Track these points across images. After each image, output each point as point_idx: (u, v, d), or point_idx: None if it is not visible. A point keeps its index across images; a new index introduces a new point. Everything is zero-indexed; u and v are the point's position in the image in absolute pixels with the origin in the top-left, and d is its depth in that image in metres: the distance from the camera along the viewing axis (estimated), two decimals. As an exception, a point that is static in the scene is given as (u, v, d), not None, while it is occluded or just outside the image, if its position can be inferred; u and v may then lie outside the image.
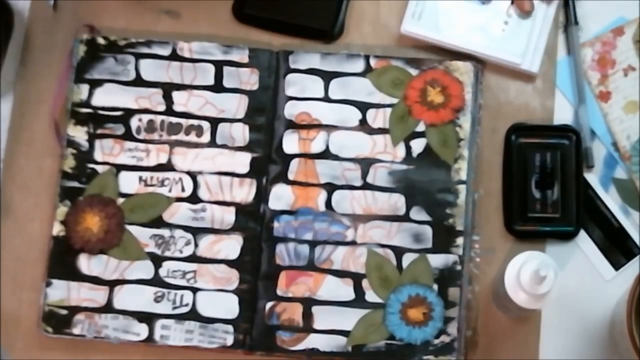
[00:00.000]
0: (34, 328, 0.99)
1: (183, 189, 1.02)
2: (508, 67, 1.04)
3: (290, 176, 1.02)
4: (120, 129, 1.03)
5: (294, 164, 1.02)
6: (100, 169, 1.02)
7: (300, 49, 1.05)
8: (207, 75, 1.04)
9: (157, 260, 1.00)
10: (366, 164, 1.02)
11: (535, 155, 1.02)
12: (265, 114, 1.03)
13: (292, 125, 1.03)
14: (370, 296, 0.99)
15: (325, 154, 1.02)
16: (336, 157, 1.02)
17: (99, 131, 1.03)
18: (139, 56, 1.04)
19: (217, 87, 1.04)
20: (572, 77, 1.04)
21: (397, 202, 1.01)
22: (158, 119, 1.03)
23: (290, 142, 1.02)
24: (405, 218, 1.01)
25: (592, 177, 1.02)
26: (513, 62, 1.03)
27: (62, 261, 1.00)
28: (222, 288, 0.99)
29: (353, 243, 1.00)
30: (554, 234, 1.01)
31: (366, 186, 1.02)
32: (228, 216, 1.01)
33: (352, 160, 1.02)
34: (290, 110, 1.03)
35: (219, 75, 1.04)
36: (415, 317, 0.99)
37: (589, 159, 1.02)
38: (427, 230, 1.00)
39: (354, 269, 1.00)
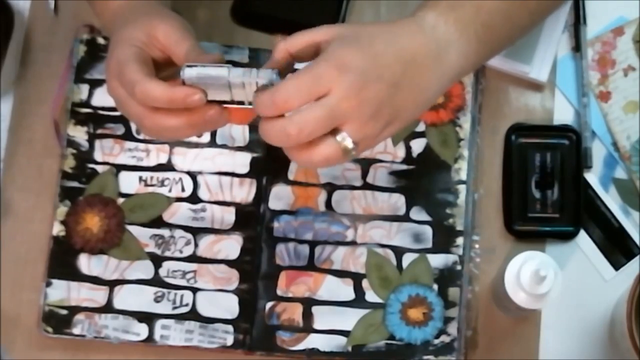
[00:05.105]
0: (34, 328, 0.99)
1: (183, 189, 1.02)
2: (515, 75, 1.04)
3: (290, 176, 1.02)
4: (120, 129, 1.03)
5: (294, 163, 1.01)
6: (100, 169, 1.02)
7: (300, 49, 1.04)
8: (207, 75, 1.04)
9: (157, 260, 1.00)
10: (366, 163, 1.02)
11: (535, 155, 1.02)
12: (265, 114, 1.03)
13: (292, 125, 1.02)
14: (370, 296, 0.99)
15: (325, 154, 1.02)
16: (336, 157, 1.02)
17: (99, 131, 1.03)
18: (139, 56, 1.04)
19: (217, 87, 1.04)
20: (578, 77, 1.04)
21: (397, 202, 1.01)
22: (158, 118, 1.03)
23: (290, 142, 1.02)
24: (405, 218, 1.01)
25: (592, 177, 1.02)
26: (521, 70, 1.03)
27: (62, 261, 1.00)
28: (222, 288, 0.99)
29: (353, 243, 1.00)
30: (553, 233, 1.01)
31: (366, 186, 1.02)
32: (228, 216, 1.01)
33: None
34: (290, 110, 1.03)
35: (219, 75, 1.04)
36: (415, 317, 0.99)
37: (587, 160, 1.01)
38: (427, 230, 1.00)
39: (354, 269, 1.00)
